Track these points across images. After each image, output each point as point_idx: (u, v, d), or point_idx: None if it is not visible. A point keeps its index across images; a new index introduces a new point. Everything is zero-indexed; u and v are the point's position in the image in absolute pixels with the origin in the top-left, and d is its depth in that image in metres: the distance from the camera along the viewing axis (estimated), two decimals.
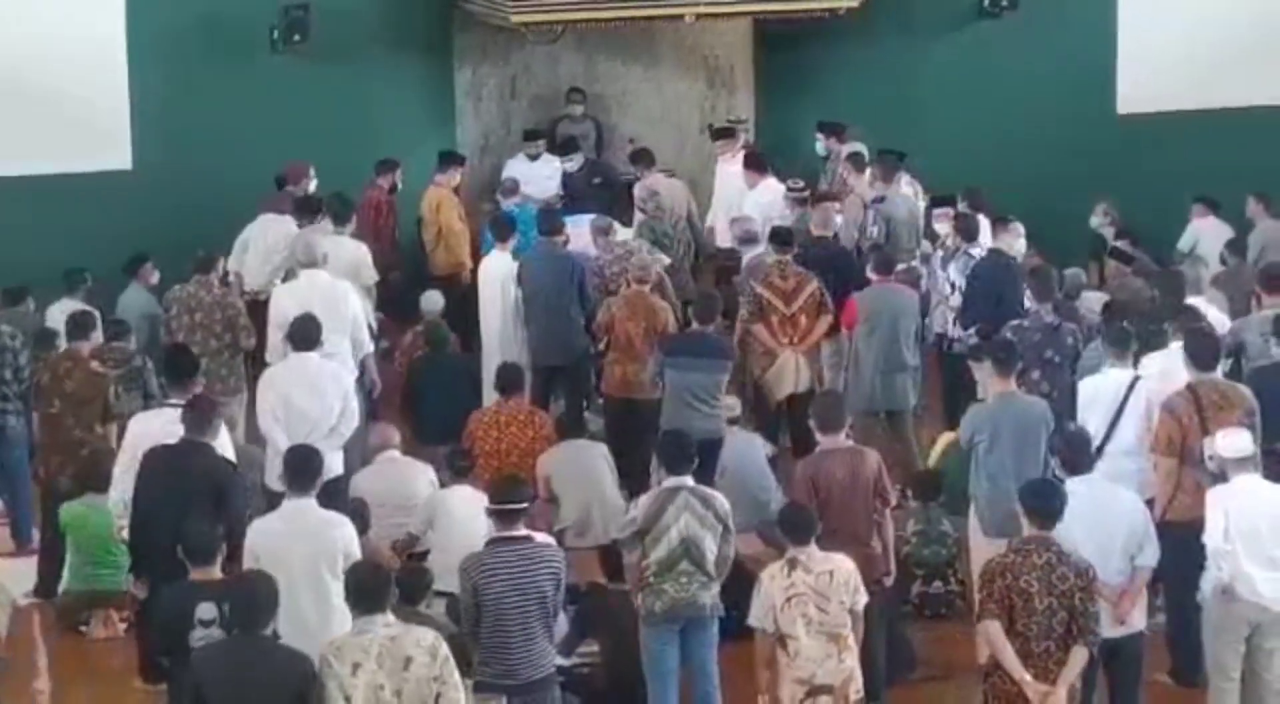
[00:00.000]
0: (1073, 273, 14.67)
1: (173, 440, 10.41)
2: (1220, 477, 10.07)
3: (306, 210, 15.48)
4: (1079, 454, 10.08)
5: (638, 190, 16.54)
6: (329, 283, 13.36)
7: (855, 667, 9.46)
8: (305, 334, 12.05)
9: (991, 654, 9.05)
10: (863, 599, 9.55)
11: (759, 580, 9.51)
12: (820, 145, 17.47)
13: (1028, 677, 8.87)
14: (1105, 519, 9.67)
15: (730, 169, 17.15)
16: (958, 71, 18.83)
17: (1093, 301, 14.36)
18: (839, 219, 15.42)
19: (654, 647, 10.03)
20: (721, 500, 9.96)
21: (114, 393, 12.76)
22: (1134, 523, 9.80)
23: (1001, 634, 8.90)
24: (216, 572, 9.18)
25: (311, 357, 12.02)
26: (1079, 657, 8.95)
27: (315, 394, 11.84)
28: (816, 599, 9.37)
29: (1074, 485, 9.62)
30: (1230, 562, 9.78)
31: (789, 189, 16.26)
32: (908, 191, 16.35)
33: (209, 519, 9.68)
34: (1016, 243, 15.01)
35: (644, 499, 9.74)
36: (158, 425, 10.80)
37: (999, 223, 15.12)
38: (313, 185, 16.23)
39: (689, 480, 9.87)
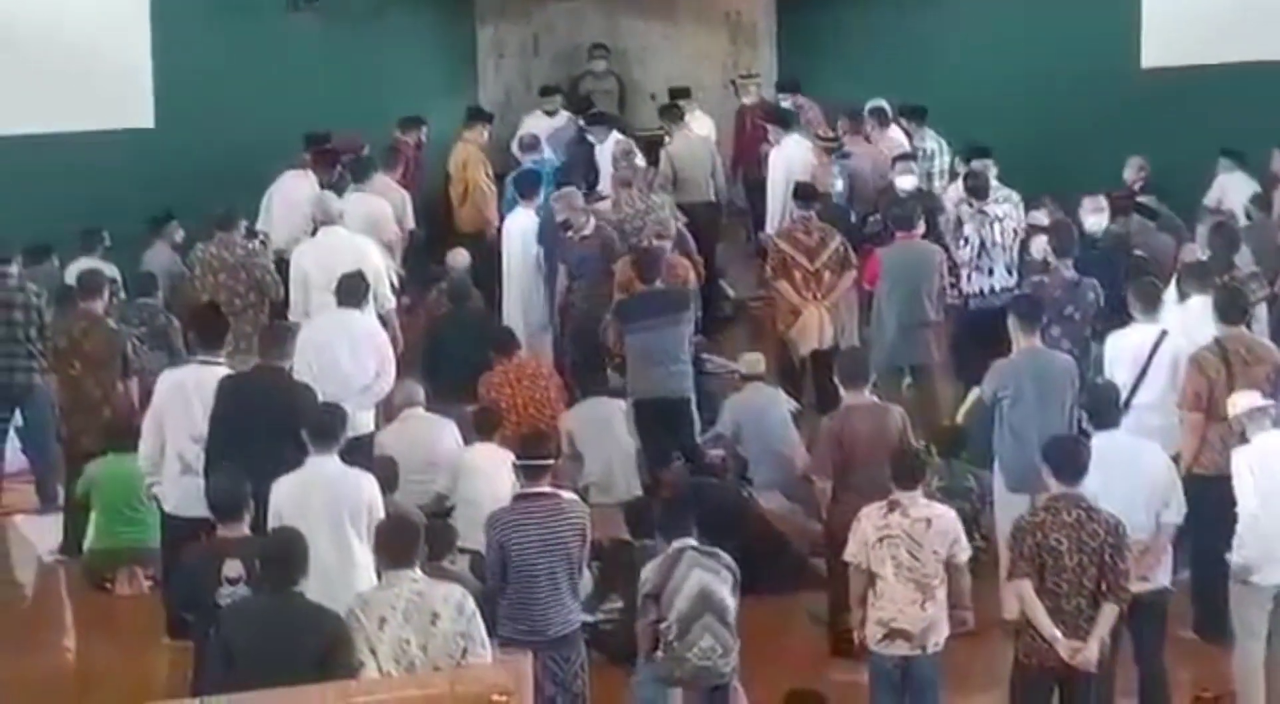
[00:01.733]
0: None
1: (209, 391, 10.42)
2: (1243, 436, 10.03)
3: (326, 167, 15.47)
4: (1106, 408, 10.05)
5: (662, 163, 16.44)
6: (348, 239, 13.35)
7: (941, 618, 9.39)
8: (351, 290, 11.99)
9: (1022, 612, 9.04)
10: (963, 553, 9.48)
11: (858, 517, 9.47)
12: (786, 104, 17.39)
13: (1059, 634, 8.85)
14: (1130, 474, 9.61)
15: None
16: (979, 26, 18.74)
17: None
18: (911, 177, 15.17)
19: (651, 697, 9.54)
20: (726, 556, 9.53)
21: (131, 348, 12.75)
22: (1159, 478, 9.75)
23: (1033, 593, 8.88)
24: (245, 528, 9.19)
25: (354, 313, 11.96)
26: (1109, 612, 8.91)
27: (352, 351, 11.77)
28: (909, 544, 9.33)
29: (1099, 440, 9.58)
30: (1256, 536, 9.69)
31: (819, 137, 16.25)
32: (932, 146, 16.31)
33: (288, 444, 9.67)
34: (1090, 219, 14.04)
35: (650, 566, 9.57)
36: (188, 382, 10.73)
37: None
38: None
39: (691, 541, 9.48)
